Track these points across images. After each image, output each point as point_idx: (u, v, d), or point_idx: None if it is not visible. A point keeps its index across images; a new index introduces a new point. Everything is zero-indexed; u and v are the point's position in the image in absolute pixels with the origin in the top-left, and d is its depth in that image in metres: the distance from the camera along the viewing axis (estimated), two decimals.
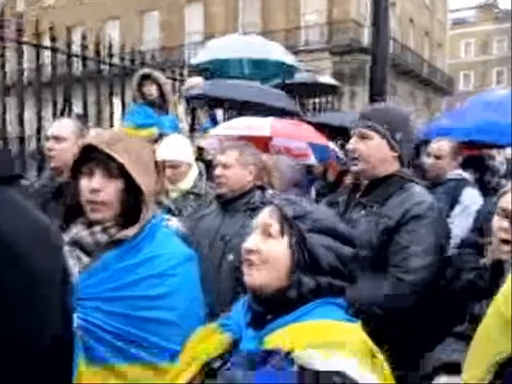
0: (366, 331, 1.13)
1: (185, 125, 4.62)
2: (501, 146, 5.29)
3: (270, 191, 2.46)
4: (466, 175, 3.47)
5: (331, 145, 3.60)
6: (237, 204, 2.43)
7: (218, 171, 2.45)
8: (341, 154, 3.71)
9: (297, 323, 1.12)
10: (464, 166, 3.77)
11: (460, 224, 3.03)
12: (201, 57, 6.14)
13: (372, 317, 1.67)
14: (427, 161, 3.45)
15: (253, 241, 1.21)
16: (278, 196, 1.29)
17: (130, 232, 1.46)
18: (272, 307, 1.17)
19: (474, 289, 1.68)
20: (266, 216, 1.23)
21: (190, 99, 4.53)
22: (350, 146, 2.03)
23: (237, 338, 1.17)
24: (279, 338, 1.09)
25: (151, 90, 4.35)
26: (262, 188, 2.49)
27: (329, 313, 1.15)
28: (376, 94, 5.01)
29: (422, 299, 1.76)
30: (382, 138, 1.97)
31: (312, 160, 3.81)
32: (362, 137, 1.99)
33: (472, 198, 3.20)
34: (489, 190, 3.91)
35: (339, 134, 4.77)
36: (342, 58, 19.68)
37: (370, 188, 1.98)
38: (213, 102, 4.51)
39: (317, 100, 8.28)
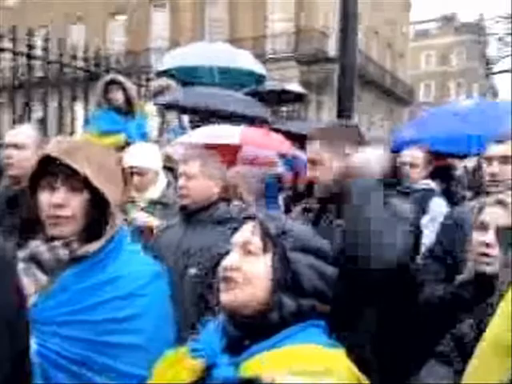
0: (351, 358, 1.08)
1: (153, 131, 4.50)
2: (462, 157, 5.40)
3: (235, 203, 2.39)
4: (434, 185, 3.50)
5: (301, 154, 3.57)
6: (200, 216, 2.34)
7: (180, 182, 2.36)
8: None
9: (278, 348, 1.05)
10: (430, 176, 3.81)
11: (429, 234, 3.05)
12: (168, 63, 6.04)
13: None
14: (403, 170, 3.45)
15: (232, 258, 1.14)
16: (260, 210, 1.23)
17: (92, 247, 1.36)
18: (250, 331, 1.10)
19: (450, 303, 1.66)
20: (247, 232, 1.16)
21: (161, 106, 4.41)
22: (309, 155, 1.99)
23: (210, 363, 1.09)
24: (258, 364, 1.03)
25: (117, 96, 4.22)
26: (228, 200, 2.42)
27: (312, 337, 1.09)
28: (344, 105, 5.05)
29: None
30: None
31: (281, 169, 3.77)
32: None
33: (439, 209, 3.23)
34: (455, 201, 3.98)
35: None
36: (309, 67, 19.89)
37: (340, 197, 1.94)
38: (181, 109, 4.41)
39: (284, 108, 8.30)
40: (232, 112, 3.89)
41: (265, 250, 1.12)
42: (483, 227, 1.60)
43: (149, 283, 1.43)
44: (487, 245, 1.55)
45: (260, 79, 6.16)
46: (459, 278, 1.70)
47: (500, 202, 1.58)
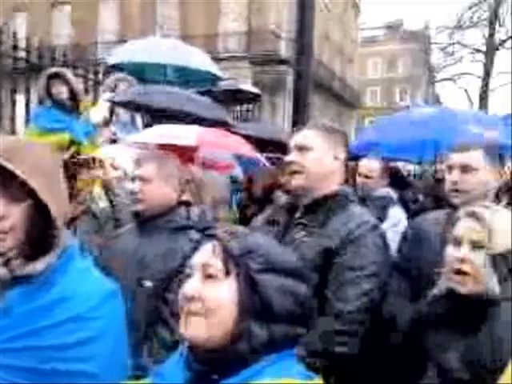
0: None
1: (105, 132, 4.26)
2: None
3: (195, 209, 2.24)
4: (393, 194, 3.51)
5: (259, 157, 3.47)
6: (157, 223, 2.16)
7: (134, 186, 2.18)
8: (269, 167, 3.59)
9: None
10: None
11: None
12: (118, 57, 5.77)
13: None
14: (358, 180, 3.45)
15: (193, 285, 1.01)
16: (220, 228, 1.10)
17: (38, 266, 1.19)
18: (217, 365, 0.97)
19: (421, 322, 1.60)
20: (207, 254, 1.03)
21: (115, 104, 4.18)
22: (288, 158, 1.90)
23: None
24: None
25: (61, 91, 3.94)
26: (187, 204, 2.27)
27: (286, 370, 0.97)
28: (299, 108, 5.02)
29: (366, 328, 1.66)
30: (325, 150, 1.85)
31: (238, 172, 3.65)
32: (302, 148, 1.85)
33: (398, 217, 3.24)
34: (408, 208, 4.02)
35: (267, 146, 4.68)
36: (262, 68, 19.89)
37: (310, 208, 1.85)
38: (135, 108, 4.20)
39: (238, 108, 8.19)
40: (190, 113, 3.73)
41: (227, 273, 1.00)
42: (457, 242, 1.55)
43: (102, 304, 1.27)
44: (461, 260, 1.50)
45: (215, 80, 6.02)
46: (431, 294, 1.65)
47: (473, 215, 1.53)
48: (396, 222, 3.17)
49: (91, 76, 5.40)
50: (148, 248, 2.13)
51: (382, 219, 3.22)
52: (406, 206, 4.07)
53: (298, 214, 1.87)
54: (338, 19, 28.90)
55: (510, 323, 1.04)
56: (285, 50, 20.15)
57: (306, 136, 1.87)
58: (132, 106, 3.99)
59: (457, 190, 2.00)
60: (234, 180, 4.22)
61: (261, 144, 5.07)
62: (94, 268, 1.37)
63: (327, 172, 1.85)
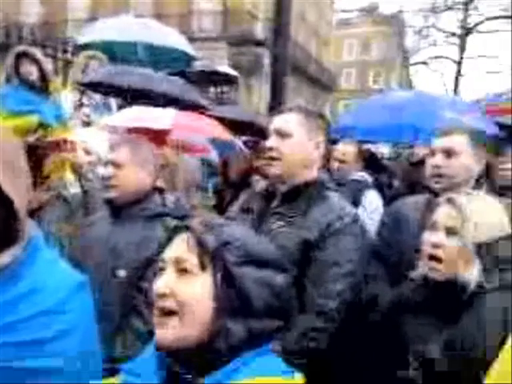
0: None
1: (77, 114, 4.12)
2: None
3: (170, 196, 2.18)
4: (368, 177, 3.51)
5: (235, 140, 3.41)
6: (131, 210, 2.08)
7: (107, 171, 2.09)
8: (246, 151, 3.53)
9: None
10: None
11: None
12: (89, 36, 5.57)
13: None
14: (332, 164, 3.43)
15: (165, 281, 0.95)
16: (194, 218, 1.04)
17: (3, 259, 1.13)
18: (193, 364, 0.93)
19: (400, 306, 1.59)
20: (181, 247, 0.97)
21: (85, 86, 4.03)
22: (267, 143, 1.84)
23: None
24: None
25: (30, 70, 3.77)
26: (161, 191, 2.20)
27: (265, 367, 0.94)
28: (276, 90, 4.96)
29: (343, 326, 1.64)
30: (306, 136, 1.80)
31: (213, 156, 3.59)
32: (282, 134, 1.79)
33: (374, 202, 3.24)
34: (384, 192, 4.03)
35: (243, 129, 4.61)
36: (238, 49, 19.61)
37: (288, 196, 1.81)
38: (106, 89, 4.06)
39: (213, 90, 8.07)
40: (165, 94, 3.63)
41: (203, 268, 0.95)
42: (433, 227, 1.54)
43: (70, 297, 1.22)
44: (435, 245, 1.49)
45: (189, 60, 5.89)
46: (409, 279, 1.64)
47: (450, 201, 1.53)
48: (371, 209, 3.18)
49: (60, 55, 5.21)
50: (121, 236, 2.06)
51: (356, 203, 3.23)
52: (382, 189, 4.10)
53: (275, 203, 1.82)
54: (313, 1, 28.66)
55: (496, 314, 1.03)
56: (261, 31, 19.91)
57: (286, 121, 1.80)
58: (102, 87, 3.85)
59: (439, 175, 1.97)
60: (209, 163, 4.16)
61: (236, 127, 5.01)
62: (60, 259, 1.31)
63: (307, 159, 1.80)
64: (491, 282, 1.11)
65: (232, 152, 3.43)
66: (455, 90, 23.93)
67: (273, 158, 1.79)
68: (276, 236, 1.71)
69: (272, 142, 1.80)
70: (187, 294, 0.94)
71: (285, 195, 1.81)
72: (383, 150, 7.91)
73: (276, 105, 4.98)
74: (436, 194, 1.91)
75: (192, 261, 0.96)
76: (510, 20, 21.87)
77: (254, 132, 4.99)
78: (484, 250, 1.29)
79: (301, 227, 1.70)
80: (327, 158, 3.73)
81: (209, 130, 3.38)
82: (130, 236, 2.05)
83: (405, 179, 4.22)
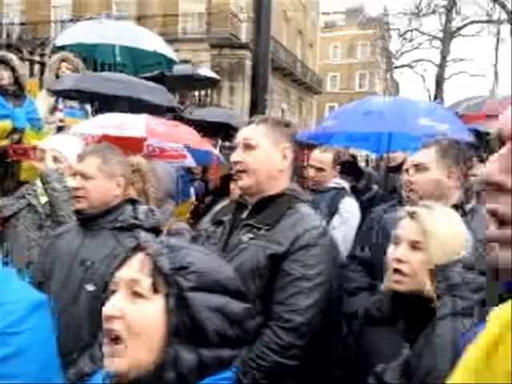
0: None
1: (52, 119, 4.03)
2: None
3: (142, 206, 2.13)
4: (345, 184, 3.50)
5: (211, 148, 3.37)
6: (101, 222, 2.04)
7: (75, 182, 2.04)
8: (222, 157, 3.50)
9: None
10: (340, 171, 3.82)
11: (338, 235, 3.05)
12: (66, 39, 5.48)
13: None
14: (309, 172, 3.43)
15: (115, 304, 0.93)
16: (151, 241, 1.01)
17: None
18: None
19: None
20: (134, 269, 0.95)
21: (56, 94, 3.95)
22: (233, 157, 1.82)
23: None
24: None
25: (3, 76, 3.71)
26: (134, 202, 2.16)
27: None
28: (257, 92, 4.91)
29: (310, 341, 1.61)
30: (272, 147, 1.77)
31: (190, 162, 3.55)
32: (248, 146, 1.77)
33: (350, 209, 3.23)
34: (363, 198, 4.04)
35: (221, 131, 4.58)
36: (221, 51, 19.58)
37: (257, 208, 1.78)
38: (80, 96, 3.99)
39: (196, 94, 8.02)
40: (137, 99, 3.57)
41: (156, 291, 0.92)
42: (397, 241, 1.53)
43: (26, 317, 1.17)
44: (398, 260, 1.48)
45: (169, 62, 5.83)
46: (380, 287, 1.63)
47: (412, 215, 1.51)
48: (347, 217, 3.17)
49: (37, 58, 5.12)
50: (91, 249, 2.01)
51: (334, 210, 3.22)
52: (361, 194, 4.11)
53: (244, 214, 1.80)
54: (299, 3, 28.76)
55: (446, 343, 1.01)
56: (245, 33, 19.91)
57: (252, 133, 1.78)
58: (74, 94, 3.79)
59: (411, 190, 2.03)
60: (189, 169, 4.12)
61: (215, 129, 4.97)
62: (16, 276, 1.26)
63: (274, 170, 1.78)
64: (444, 307, 1.10)
65: (208, 160, 3.39)
66: (437, 93, 24.19)
67: (240, 171, 1.76)
68: (245, 249, 1.69)
69: (238, 154, 1.78)
70: (137, 317, 0.91)
71: (254, 207, 1.79)
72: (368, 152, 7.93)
73: (258, 106, 4.94)
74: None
75: (145, 283, 0.93)
76: (491, 24, 22.20)
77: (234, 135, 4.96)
78: (440, 273, 1.28)
79: (269, 240, 1.68)
80: (305, 165, 3.74)
81: (184, 138, 3.34)
82: (100, 248, 2.00)
83: (382, 184, 4.24)
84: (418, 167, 2.01)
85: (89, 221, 2.07)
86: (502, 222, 0.59)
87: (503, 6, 15.00)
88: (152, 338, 0.91)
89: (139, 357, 0.90)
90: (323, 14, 39.00)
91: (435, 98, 24.09)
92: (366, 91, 41.52)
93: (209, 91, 8.75)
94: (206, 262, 0.99)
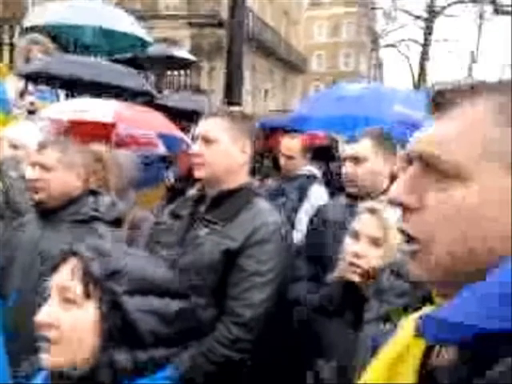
0: None
1: (22, 103, 3.94)
2: None
3: (104, 198, 2.11)
4: (315, 171, 3.52)
5: (181, 135, 3.35)
6: (61, 214, 2.01)
7: (34, 173, 2.00)
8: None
9: None
10: (313, 156, 3.84)
11: (304, 220, 3.09)
12: (36, 19, 5.33)
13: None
14: (280, 160, 3.44)
15: (47, 310, 0.94)
16: (84, 245, 1.01)
17: None
18: None
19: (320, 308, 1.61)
20: (65, 275, 0.96)
21: (25, 77, 3.86)
22: (193, 149, 1.82)
23: None
24: None
25: None
26: (96, 193, 2.14)
27: None
28: (233, 72, 4.86)
29: (260, 336, 1.64)
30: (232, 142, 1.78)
31: (161, 150, 3.51)
32: (207, 140, 1.77)
33: (319, 196, 3.25)
34: (335, 185, 4.07)
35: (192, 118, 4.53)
36: (201, 30, 19.21)
37: (215, 202, 1.79)
38: (47, 80, 3.90)
39: (175, 75, 7.91)
40: (108, 84, 3.51)
41: (88, 297, 0.94)
42: (355, 236, 1.55)
43: None
44: (357, 255, 1.50)
45: (143, 44, 5.71)
46: (328, 278, 1.66)
47: (373, 211, 1.53)
48: (313, 204, 3.19)
49: (7, 39, 4.99)
50: (50, 241, 1.98)
51: (302, 198, 3.24)
52: (331, 179, 4.13)
53: (202, 208, 1.81)
54: None
55: (368, 348, 1.04)
56: (226, 12, 19.54)
57: (211, 126, 1.78)
58: (43, 77, 3.70)
59: (350, 181, 2.07)
60: (163, 158, 4.08)
61: (189, 114, 4.91)
62: None
63: (233, 165, 1.78)
64: (370, 311, 1.12)
65: (179, 147, 3.37)
66: (421, 73, 24.24)
67: (198, 163, 1.77)
68: (201, 244, 1.70)
69: (197, 147, 1.78)
70: (69, 324, 0.93)
71: (212, 201, 1.79)
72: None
73: (234, 85, 4.88)
74: (354, 198, 2.02)
75: (76, 290, 0.94)
76: (475, 4, 22.16)
77: None
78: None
79: (225, 235, 1.69)
80: (276, 152, 3.74)
81: (154, 125, 3.30)
82: (60, 241, 1.97)
83: None
84: (356, 159, 2.05)
85: (48, 213, 2.04)
86: (408, 238, 0.62)
87: None
88: (86, 343, 0.93)
89: (74, 359, 0.92)
90: None
91: (419, 77, 24.17)
92: (352, 70, 41.46)
93: (188, 72, 8.64)
94: (139, 266, 1.00)
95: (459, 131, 0.59)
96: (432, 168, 0.59)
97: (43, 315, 0.94)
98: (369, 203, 1.59)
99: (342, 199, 2.17)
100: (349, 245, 1.56)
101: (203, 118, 1.85)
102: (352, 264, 1.52)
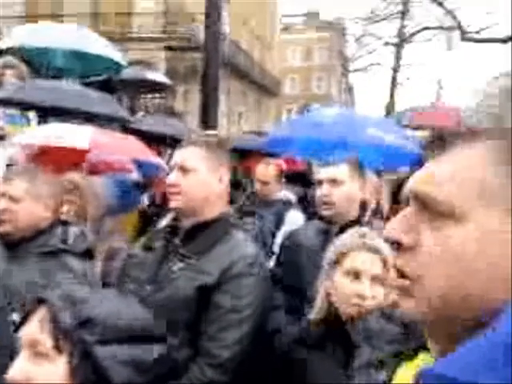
0: None
1: None
2: None
3: (74, 229, 2.04)
4: (291, 196, 3.53)
5: (158, 160, 3.30)
6: (28, 246, 1.93)
7: (1, 204, 1.92)
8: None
9: None
10: (288, 181, 3.85)
11: None
12: (9, 41, 5.25)
13: None
14: (256, 185, 3.44)
15: (18, 366, 0.89)
16: (54, 292, 0.96)
17: None
18: None
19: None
20: (34, 327, 0.90)
21: None
22: (169, 179, 1.76)
23: None
24: None
25: None
26: (65, 224, 2.05)
27: None
28: (208, 95, 4.86)
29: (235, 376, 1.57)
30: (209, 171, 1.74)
31: (135, 175, 3.45)
32: (184, 169, 1.72)
33: (295, 222, 3.25)
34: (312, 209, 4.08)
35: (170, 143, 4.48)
36: (177, 53, 19.28)
37: (191, 234, 1.72)
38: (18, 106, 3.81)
39: (149, 97, 7.87)
40: (84, 111, 3.45)
41: (59, 350, 0.88)
42: (355, 274, 1.50)
43: None
44: (362, 296, 1.46)
45: (118, 66, 5.67)
46: (303, 320, 1.62)
47: (371, 249, 1.49)
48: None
49: None
50: (16, 274, 1.90)
51: (279, 224, 3.23)
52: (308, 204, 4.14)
53: (177, 240, 1.74)
54: (257, 6, 28.81)
55: None
56: (202, 36, 19.70)
57: (189, 156, 1.73)
58: (14, 103, 3.62)
59: (326, 203, 2.08)
60: (137, 184, 4.01)
61: (163, 138, 4.87)
62: None
63: (211, 195, 1.73)
64: (360, 358, 1.09)
65: (156, 173, 3.32)
66: (391, 97, 24.86)
67: (175, 193, 1.72)
68: (175, 279, 1.64)
69: (173, 177, 1.73)
70: (41, 380, 0.88)
71: (187, 233, 1.73)
72: None
73: (209, 109, 4.88)
74: (327, 221, 2.07)
75: (47, 343, 0.89)
76: (443, 30, 22.94)
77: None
78: (360, 322, 1.27)
79: (200, 270, 1.63)
80: (252, 178, 3.74)
81: (130, 151, 3.25)
82: (26, 275, 1.89)
83: None
84: (334, 181, 2.06)
85: (15, 245, 1.95)
86: (401, 274, 0.61)
87: (454, 17, 15.53)
88: None
89: None
90: (282, 16, 39.25)
91: (389, 101, 24.77)
92: (324, 94, 42.21)
93: (163, 94, 8.62)
94: (114, 311, 0.95)
95: (457, 173, 0.58)
96: (428, 208, 0.59)
97: (15, 371, 0.89)
98: (361, 239, 1.54)
99: (315, 223, 2.17)
100: (349, 285, 1.50)
101: (180, 147, 1.81)
102: (357, 304, 1.46)
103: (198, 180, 1.71)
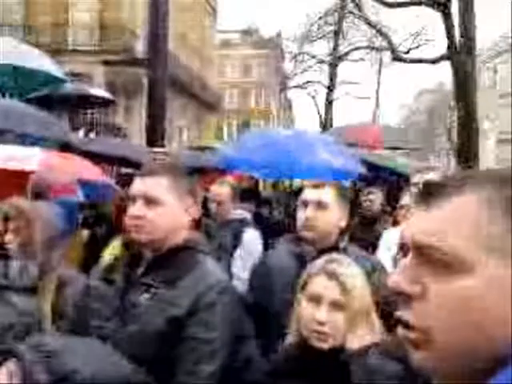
0: None
1: None
2: None
3: (16, 263, 1.89)
4: (247, 214, 3.51)
5: (108, 181, 3.17)
6: None
7: None
8: (120, 192, 3.31)
9: None
10: (241, 198, 3.84)
11: (241, 266, 3.05)
12: None
13: None
14: (211, 206, 3.41)
15: None
16: (25, 345, 0.86)
17: None
18: None
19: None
20: (3, 380, 0.81)
21: None
22: (133, 211, 1.63)
23: None
24: None
25: None
26: (6, 257, 1.90)
27: None
28: (155, 113, 4.76)
29: None
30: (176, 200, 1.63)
31: (80, 197, 3.30)
32: (149, 201, 1.60)
33: (252, 241, 3.24)
34: (266, 224, 4.11)
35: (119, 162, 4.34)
36: (115, 67, 18.78)
37: (156, 263, 1.62)
38: None
39: (89, 113, 7.61)
40: (27, 134, 3.27)
41: None
42: (315, 300, 1.49)
43: None
44: (321, 323, 1.44)
45: (57, 81, 5.42)
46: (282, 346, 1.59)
47: (330, 274, 1.49)
48: (250, 250, 3.16)
49: None
50: None
51: (236, 244, 3.21)
52: (262, 221, 4.17)
53: (140, 270, 1.63)
54: (196, 21, 28.84)
55: None
56: (141, 49, 19.40)
57: (155, 187, 1.61)
58: None
59: (310, 226, 2.02)
60: (81, 205, 3.85)
61: (111, 160, 4.73)
62: None
63: (177, 226, 1.64)
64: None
65: (103, 193, 3.19)
66: (326, 114, 25.64)
67: (138, 225, 1.59)
68: (142, 312, 1.54)
69: (137, 209, 1.60)
70: None
71: (151, 263, 1.63)
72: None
73: (156, 126, 4.79)
74: (308, 243, 2.03)
75: None
76: (373, 50, 24.03)
77: (130, 164, 4.72)
78: (356, 359, 1.26)
79: (169, 302, 1.54)
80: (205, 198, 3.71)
81: (78, 172, 3.11)
82: None
83: (284, 208, 4.38)
84: (319, 204, 2.02)
85: None
86: (406, 325, 0.61)
87: (385, 36, 16.27)
88: None
89: None
90: (219, 32, 39.49)
91: (325, 119, 25.54)
92: (263, 109, 42.82)
93: (103, 110, 8.37)
94: (93, 365, 0.86)
95: (452, 222, 0.59)
96: (430, 258, 0.59)
97: None
98: (323, 264, 1.54)
99: (288, 247, 2.12)
100: (309, 311, 1.49)
101: (141, 175, 1.69)
102: (316, 331, 1.45)
103: (166, 212, 1.60)
